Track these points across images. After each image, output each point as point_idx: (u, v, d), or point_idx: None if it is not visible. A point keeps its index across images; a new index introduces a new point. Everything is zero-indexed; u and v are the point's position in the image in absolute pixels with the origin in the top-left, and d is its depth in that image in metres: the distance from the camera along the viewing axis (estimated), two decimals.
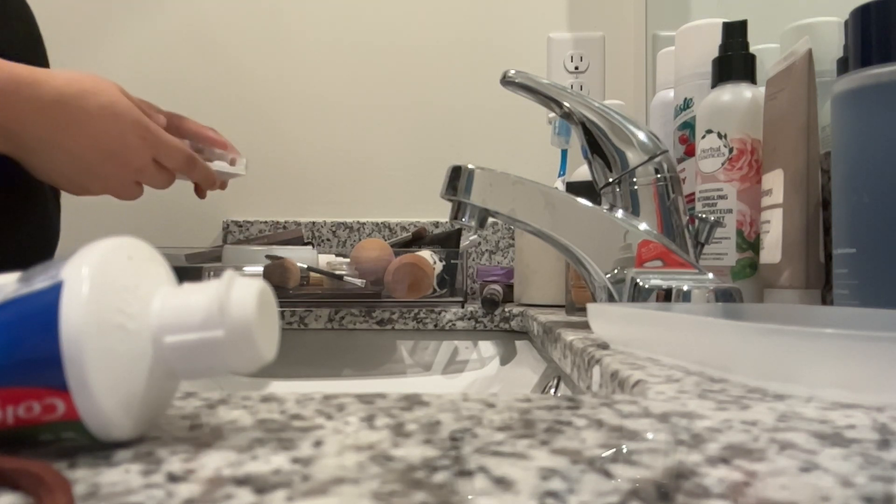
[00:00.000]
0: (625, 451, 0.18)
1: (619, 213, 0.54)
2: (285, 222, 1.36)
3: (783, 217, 0.56)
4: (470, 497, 0.15)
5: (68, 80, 0.62)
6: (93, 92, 0.62)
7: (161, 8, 1.38)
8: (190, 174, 0.71)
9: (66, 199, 1.39)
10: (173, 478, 0.16)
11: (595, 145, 0.55)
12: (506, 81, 0.55)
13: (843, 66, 0.45)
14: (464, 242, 1.14)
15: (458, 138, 1.37)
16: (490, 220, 0.54)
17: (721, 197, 0.62)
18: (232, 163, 0.78)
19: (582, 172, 0.82)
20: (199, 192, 0.78)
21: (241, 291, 0.19)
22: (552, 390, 0.63)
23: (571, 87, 1.11)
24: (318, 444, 0.19)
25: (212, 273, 0.94)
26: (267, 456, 0.18)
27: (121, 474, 0.16)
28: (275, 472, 0.16)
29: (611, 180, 0.55)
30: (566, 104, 0.55)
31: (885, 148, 0.41)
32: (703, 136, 0.64)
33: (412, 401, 0.25)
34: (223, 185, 0.78)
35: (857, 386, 0.24)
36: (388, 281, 0.93)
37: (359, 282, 0.93)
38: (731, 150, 0.62)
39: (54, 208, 0.83)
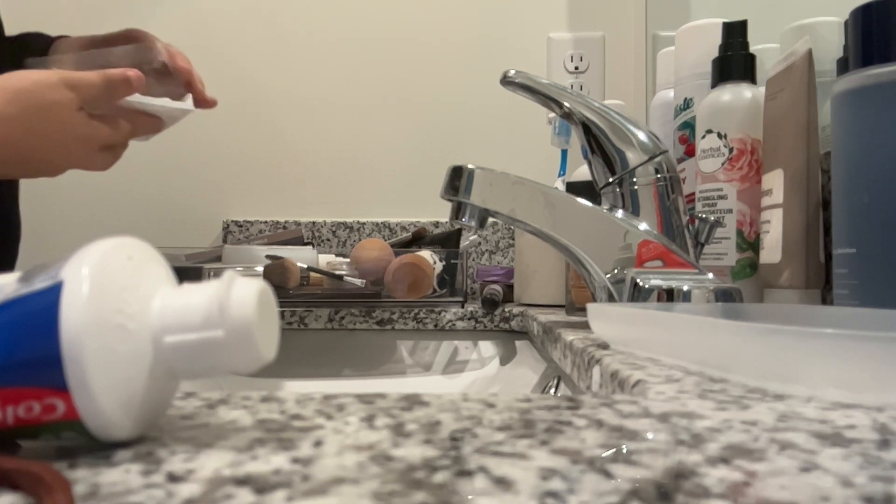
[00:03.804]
0: (625, 451, 0.18)
1: (619, 213, 0.54)
2: (285, 222, 1.36)
3: (783, 217, 0.56)
4: (470, 497, 0.15)
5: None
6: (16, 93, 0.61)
7: (160, 9, 1.38)
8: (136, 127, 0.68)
9: (67, 202, 1.39)
10: (173, 478, 0.16)
11: (595, 145, 0.55)
12: (506, 81, 0.55)
13: (843, 66, 0.45)
14: (464, 242, 1.14)
15: (458, 138, 1.37)
16: (490, 220, 0.54)
17: (721, 197, 0.62)
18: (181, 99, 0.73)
19: (582, 172, 0.82)
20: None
21: (241, 291, 0.19)
22: (552, 390, 0.63)
23: (571, 87, 1.11)
24: (318, 444, 0.19)
25: (212, 273, 0.94)
26: (267, 456, 0.18)
27: (121, 474, 0.16)
28: (275, 472, 0.16)
29: (611, 180, 0.55)
30: (566, 104, 0.55)
31: (885, 148, 0.41)
32: (703, 136, 0.64)
33: (412, 401, 0.25)
34: (157, 127, 0.72)
35: (857, 386, 0.24)
36: (388, 281, 0.93)
37: (359, 282, 0.93)
38: (731, 150, 0.62)
39: (7, 196, 0.81)
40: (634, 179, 0.54)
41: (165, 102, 0.71)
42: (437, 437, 0.20)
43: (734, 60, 0.62)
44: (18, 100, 0.60)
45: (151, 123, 0.70)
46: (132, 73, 0.64)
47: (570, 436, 0.20)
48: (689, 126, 0.72)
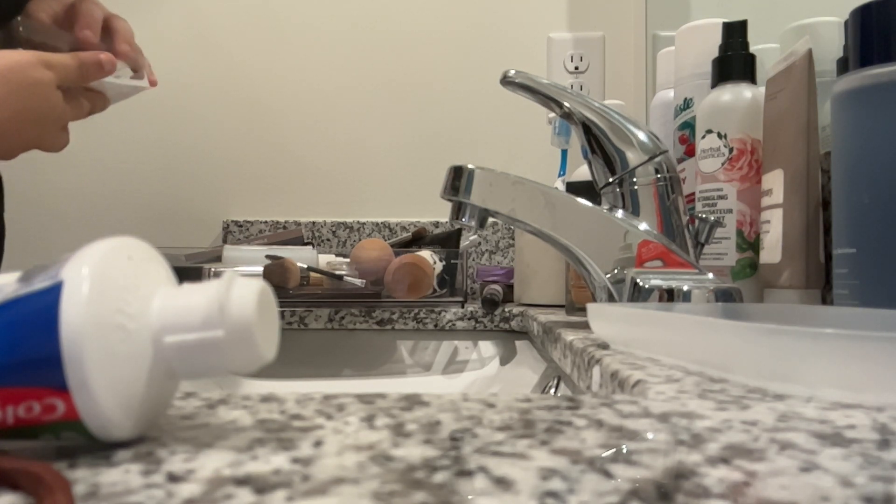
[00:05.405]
0: (625, 451, 0.18)
1: (619, 213, 0.54)
2: (285, 222, 1.36)
3: (783, 217, 0.56)
4: (470, 497, 0.15)
5: None
6: None
7: (159, 8, 1.38)
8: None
9: (67, 202, 1.38)
10: (173, 478, 0.16)
11: (595, 145, 0.55)
12: (506, 81, 0.55)
13: (843, 66, 0.45)
14: (464, 242, 1.14)
15: (458, 138, 1.37)
16: (490, 220, 0.54)
17: (721, 197, 0.62)
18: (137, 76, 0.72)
19: (582, 172, 0.82)
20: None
21: (241, 291, 0.19)
22: (552, 390, 0.63)
23: (571, 87, 1.11)
24: (318, 444, 0.19)
25: (212, 273, 0.94)
26: (267, 456, 0.18)
27: (121, 474, 0.16)
28: (275, 472, 0.16)
29: (611, 180, 0.55)
30: (566, 104, 0.55)
31: (885, 148, 0.41)
32: (703, 136, 0.64)
33: (412, 401, 0.25)
34: (105, 104, 0.72)
35: (857, 386, 0.24)
36: (388, 281, 0.93)
37: (359, 282, 0.93)
38: (731, 150, 0.62)
39: None
40: (634, 179, 0.54)
41: (120, 79, 0.70)
42: (437, 437, 0.20)
43: (734, 60, 0.62)
44: (5, 79, 0.60)
45: (103, 101, 0.70)
46: (104, 56, 0.64)
47: (570, 436, 0.20)
48: (689, 126, 0.72)
